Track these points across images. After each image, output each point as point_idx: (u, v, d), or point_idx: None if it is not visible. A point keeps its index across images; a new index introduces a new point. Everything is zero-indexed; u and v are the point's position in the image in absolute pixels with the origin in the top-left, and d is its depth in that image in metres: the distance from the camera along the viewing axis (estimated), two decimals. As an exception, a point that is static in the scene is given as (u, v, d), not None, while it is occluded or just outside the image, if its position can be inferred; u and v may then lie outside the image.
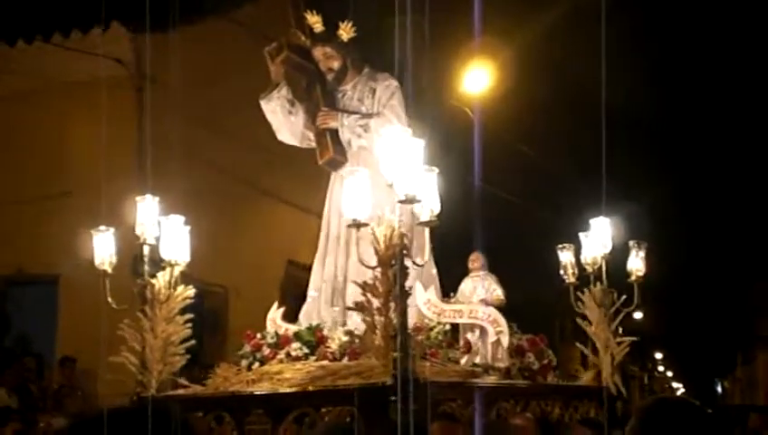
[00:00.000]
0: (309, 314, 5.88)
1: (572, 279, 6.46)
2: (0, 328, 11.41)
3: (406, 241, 4.64)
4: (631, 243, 6.59)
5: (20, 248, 10.93)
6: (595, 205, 6.77)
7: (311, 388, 4.94)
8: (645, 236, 6.48)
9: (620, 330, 8.07)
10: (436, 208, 5.05)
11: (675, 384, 32.77)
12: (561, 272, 6.49)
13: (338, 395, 4.82)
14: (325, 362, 5.20)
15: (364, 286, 4.68)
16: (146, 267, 5.64)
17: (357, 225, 4.83)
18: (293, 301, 13.17)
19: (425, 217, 4.89)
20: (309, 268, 13.50)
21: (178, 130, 9.19)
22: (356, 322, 5.36)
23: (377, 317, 4.64)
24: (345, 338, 5.26)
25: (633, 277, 6.48)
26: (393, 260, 4.63)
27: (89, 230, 9.54)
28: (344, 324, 5.55)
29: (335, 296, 5.77)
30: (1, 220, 11.04)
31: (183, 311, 5.70)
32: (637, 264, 6.53)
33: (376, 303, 4.66)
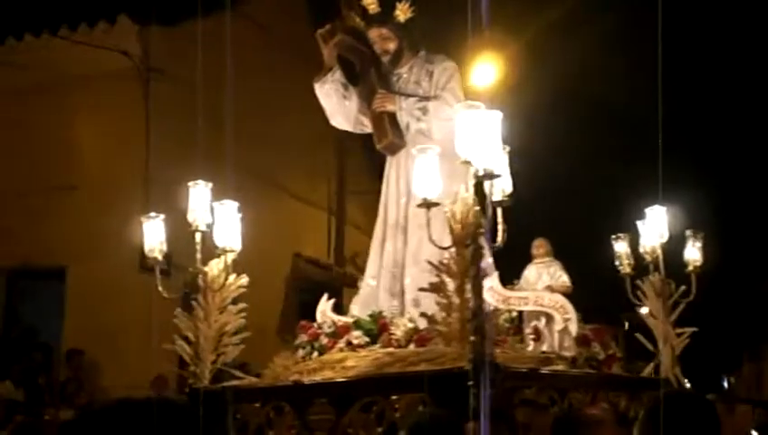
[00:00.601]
0: (366, 303, 5.66)
1: (628, 269, 6.30)
2: (7, 320, 11.22)
3: (482, 220, 4.48)
4: (688, 232, 6.42)
5: (27, 241, 10.70)
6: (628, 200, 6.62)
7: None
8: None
9: (627, 324, 7.93)
10: (509, 188, 4.90)
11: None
12: (617, 262, 6.33)
13: (409, 382, 4.63)
14: (392, 349, 5.01)
15: (438, 267, 4.51)
16: (198, 255, 5.42)
17: (428, 204, 4.67)
18: (299, 293, 13.00)
19: (497, 197, 4.75)
20: (314, 262, 13.41)
21: (186, 123, 9.07)
22: (419, 309, 5.18)
23: (453, 299, 4.47)
24: (411, 325, 5.06)
25: (690, 267, 6.31)
26: (468, 239, 4.46)
27: (95, 222, 9.27)
28: (403, 313, 5.33)
29: (394, 284, 5.56)
30: (8, 212, 10.83)
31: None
32: (694, 254, 6.37)
33: (451, 284, 4.49)
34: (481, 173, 4.33)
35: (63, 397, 9.71)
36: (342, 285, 11.14)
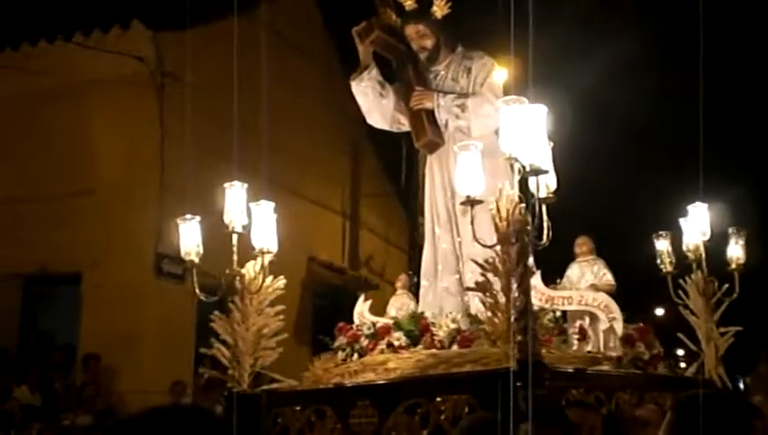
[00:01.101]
0: (424, 305, 5.54)
1: (669, 268, 6.18)
2: (24, 326, 11.26)
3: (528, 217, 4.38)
4: (731, 230, 6.31)
5: (43, 246, 10.63)
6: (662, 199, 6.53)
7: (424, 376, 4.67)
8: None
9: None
10: (553, 184, 4.80)
11: (697, 381, 31.99)
12: (658, 261, 6.22)
13: (454, 383, 4.55)
14: (435, 351, 4.91)
15: (484, 265, 4.41)
16: (235, 257, 5.35)
17: (471, 202, 4.57)
18: (314, 297, 13.01)
19: (541, 194, 4.65)
20: (328, 266, 13.40)
21: (199, 127, 9.02)
22: (477, 306, 5.08)
23: (499, 298, 4.37)
24: (453, 325, 4.97)
25: (733, 265, 6.19)
26: (514, 237, 4.36)
27: (111, 227, 9.23)
28: (468, 309, 5.22)
29: (458, 280, 5.42)
30: (24, 218, 10.82)
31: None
32: (737, 251, 6.25)
33: (497, 283, 4.40)
34: (527, 169, 4.25)
35: (80, 402, 9.71)
36: (357, 289, 11.08)
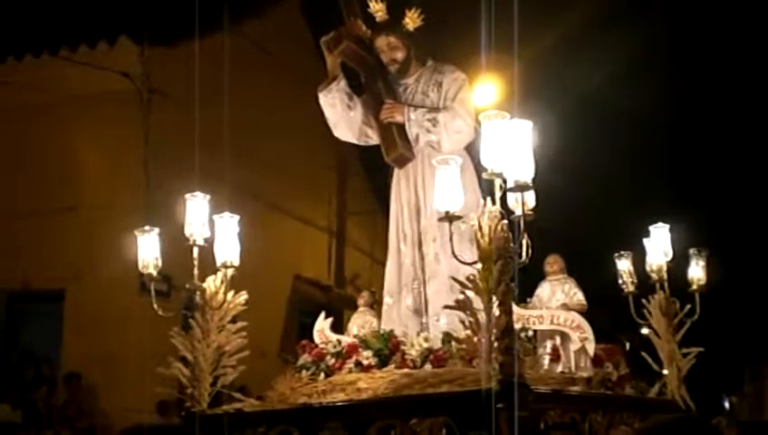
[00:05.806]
0: (388, 322, 5.41)
1: (631, 288, 6.16)
2: (6, 343, 11.00)
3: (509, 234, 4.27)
4: (692, 251, 6.32)
5: (26, 263, 10.62)
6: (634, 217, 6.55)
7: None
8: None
9: (627, 345, 7.77)
10: (532, 201, 4.71)
11: (681, 401, 32.21)
12: (620, 281, 6.19)
13: (431, 404, 4.40)
14: (409, 370, 4.77)
15: (464, 283, 4.29)
16: (195, 271, 5.13)
17: (449, 217, 4.46)
18: (300, 315, 12.97)
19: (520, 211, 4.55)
20: (314, 283, 13.31)
21: (186, 144, 8.87)
22: (439, 327, 4.98)
23: (480, 317, 4.25)
24: (426, 344, 4.85)
25: (695, 286, 6.20)
26: (497, 255, 4.25)
27: (94, 244, 9.18)
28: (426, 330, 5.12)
29: (418, 300, 5.32)
30: (7, 234, 10.74)
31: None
32: (698, 272, 6.26)
33: (477, 301, 4.28)
34: (511, 185, 4.16)
35: (62, 420, 9.50)
36: (343, 307, 11.00)
